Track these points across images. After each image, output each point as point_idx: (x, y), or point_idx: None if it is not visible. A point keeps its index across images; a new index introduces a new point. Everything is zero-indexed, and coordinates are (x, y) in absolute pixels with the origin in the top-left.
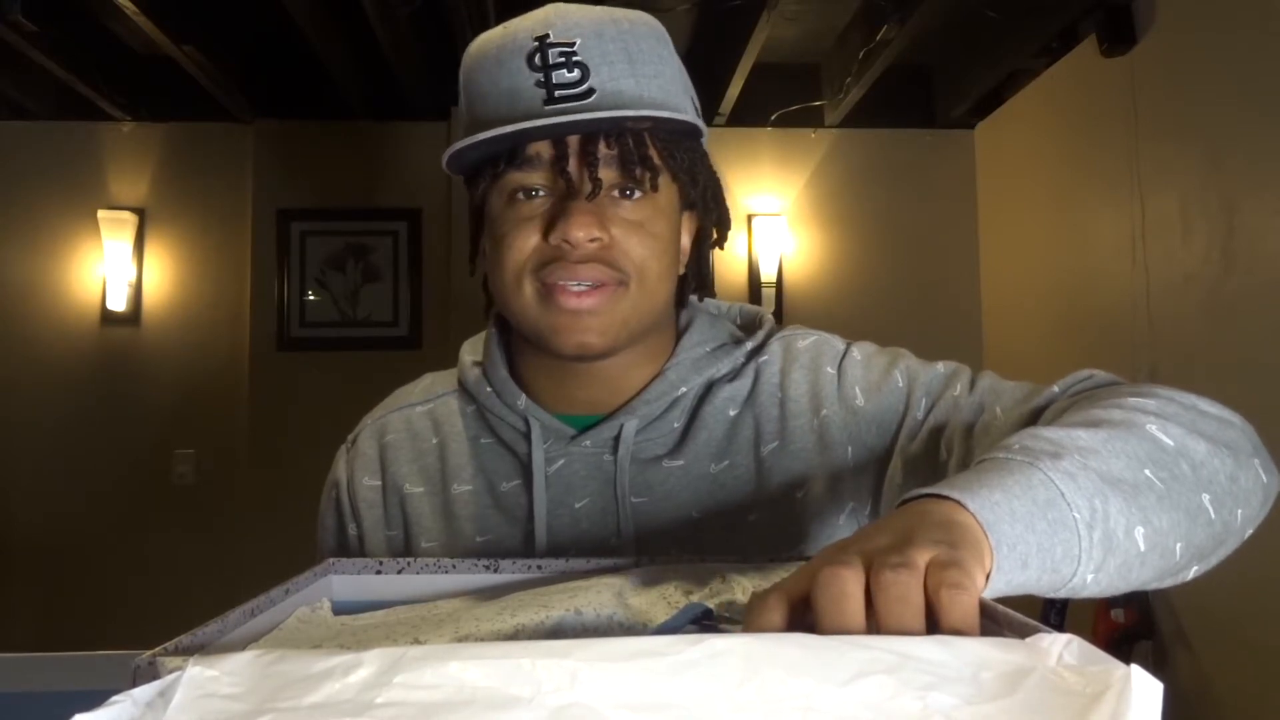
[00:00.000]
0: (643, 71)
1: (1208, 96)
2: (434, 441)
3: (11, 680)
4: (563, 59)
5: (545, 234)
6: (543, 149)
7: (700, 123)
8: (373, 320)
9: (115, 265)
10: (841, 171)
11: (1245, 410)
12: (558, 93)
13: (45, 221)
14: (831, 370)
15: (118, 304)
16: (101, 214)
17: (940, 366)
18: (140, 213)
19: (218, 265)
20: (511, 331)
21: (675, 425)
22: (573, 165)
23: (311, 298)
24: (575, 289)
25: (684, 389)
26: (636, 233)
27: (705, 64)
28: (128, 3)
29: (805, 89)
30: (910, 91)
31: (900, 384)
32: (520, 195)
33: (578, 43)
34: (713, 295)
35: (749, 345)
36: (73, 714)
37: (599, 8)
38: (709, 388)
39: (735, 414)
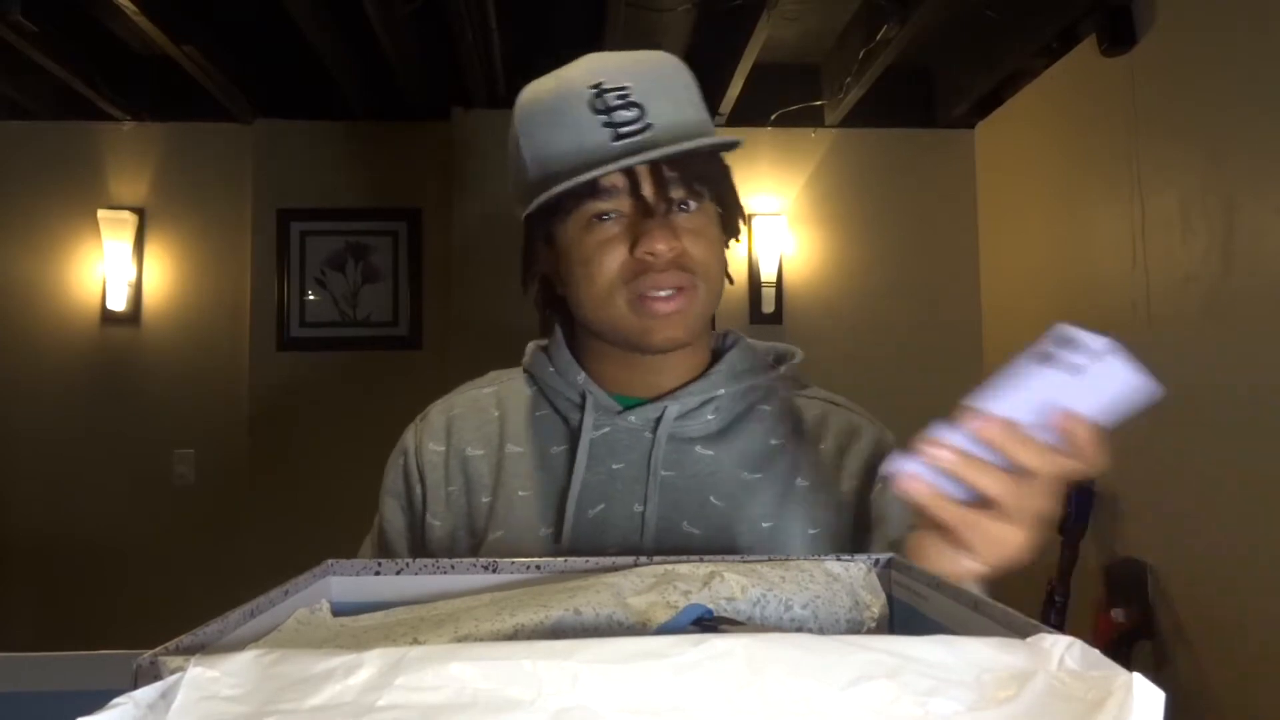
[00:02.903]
0: (683, 102)
1: (1208, 96)
2: (495, 414)
3: (11, 680)
4: (620, 101)
5: (630, 249)
6: (617, 179)
7: (723, 138)
8: (373, 320)
9: (115, 265)
10: (841, 171)
11: (1244, 410)
12: (621, 129)
13: (45, 221)
14: (874, 455)
15: (118, 304)
16: (101, 214)
17: None
18: (140, 213)
19: (218, 265)
20: (575, 331)
21: (709, 418)
22: (647, 190)
23: (311, 298)
24: (663, 296)
25: (721, 390)
26: (699, 238)
27: (705, 64)
28: (128, 3)
29: (805, 89)
30: (910, 91)
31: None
32: (595, 220)
33: (629, 85)
34: (730, 282)
35: (781, 369)
36: (73, 714)
37: (627, 54)
38: (750, 407)
39: (777, 443)
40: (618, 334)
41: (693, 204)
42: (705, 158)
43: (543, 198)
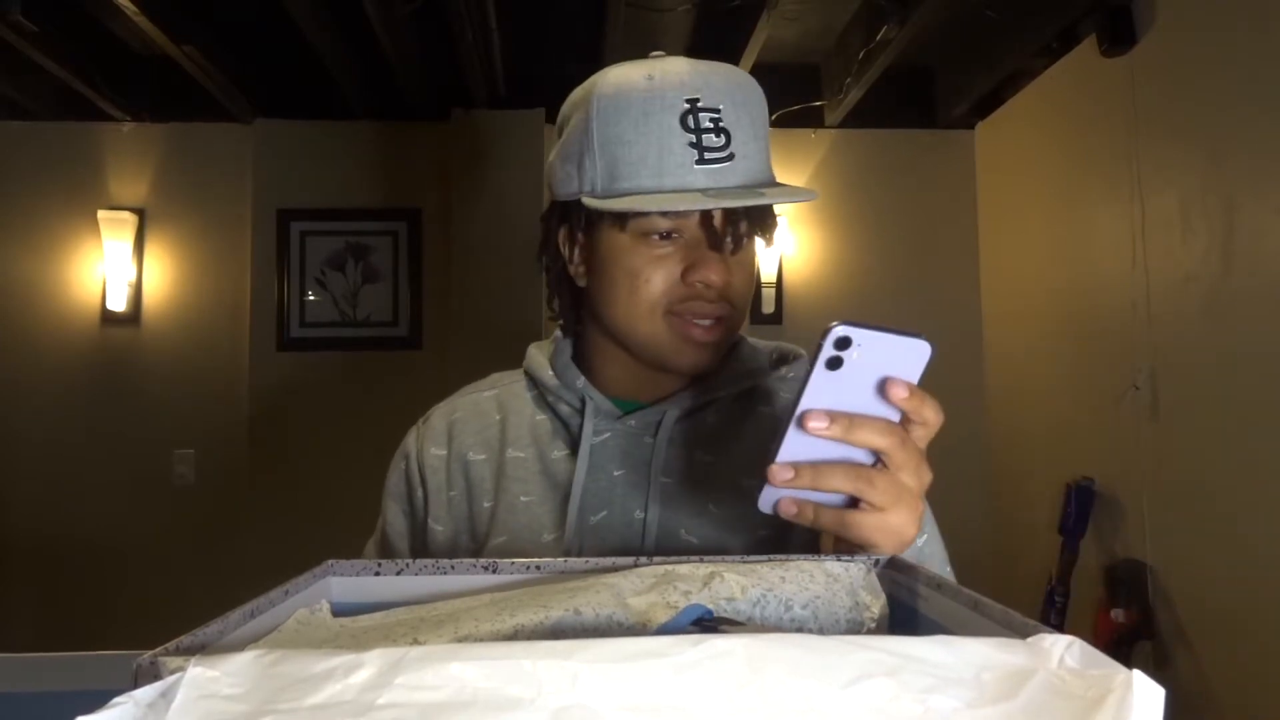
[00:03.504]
0: (762, 137)
1: (1208, 96)
2: (497, 418)
3: (11, 680)
4: (711, 124)
5: (683, 273)
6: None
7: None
8: (373, 320)
9: (115, 265)
10: (841, 171)
11: (1243, 410)
12: (707, 155)
13: (45, 221)
14: None
15: (118, 304)
16: (101, 214)
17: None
18: (140, 213)
19: (218, 265)
20: (583, 324)
21: (710, 420)
22: (718, 223)
23: (311, 298)
24: (705, 325)
25: (720, 393)
26: (744, 273)
27: None
28: (128, 3)
29: (805, 89)
30: (910, 91)
31: None
32: (656, 237)
33: (723, 109)
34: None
35: (783, 370)
36: (73, 714)
37: (718, 69)
38: (750, 409)
39: None
40: (646, 350)
41: (746, 240)
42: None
43: (620, 206)
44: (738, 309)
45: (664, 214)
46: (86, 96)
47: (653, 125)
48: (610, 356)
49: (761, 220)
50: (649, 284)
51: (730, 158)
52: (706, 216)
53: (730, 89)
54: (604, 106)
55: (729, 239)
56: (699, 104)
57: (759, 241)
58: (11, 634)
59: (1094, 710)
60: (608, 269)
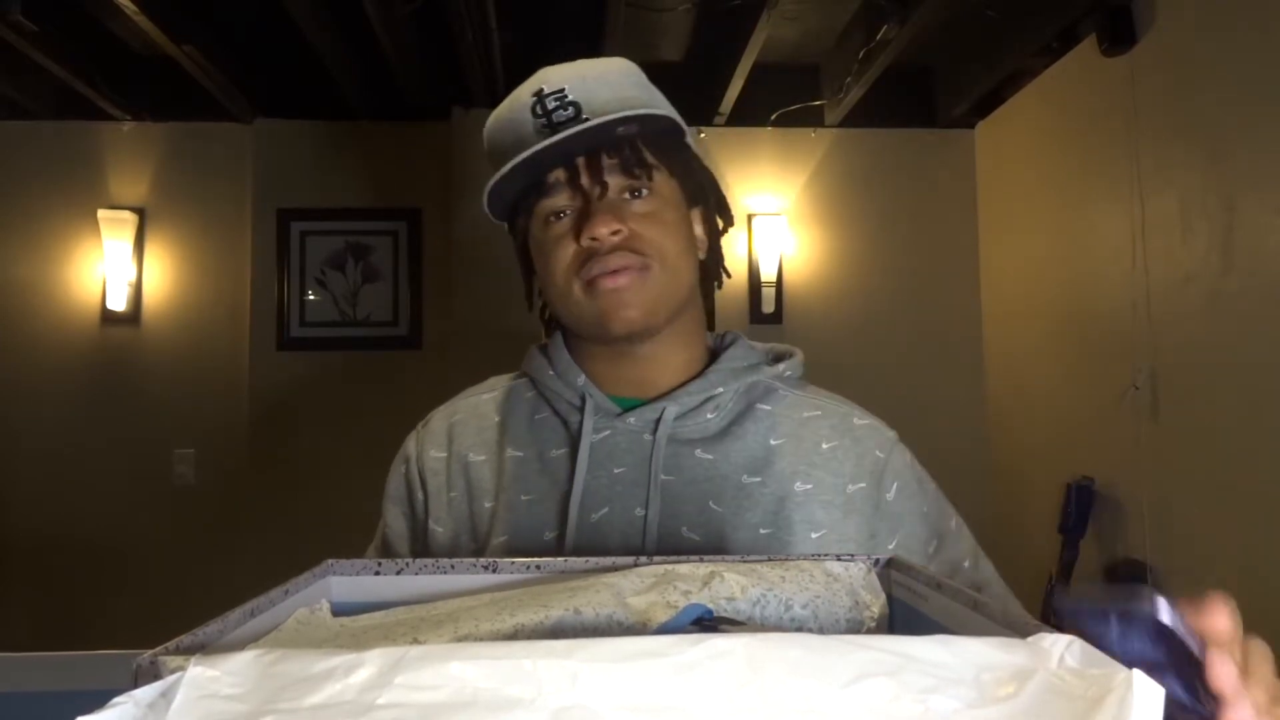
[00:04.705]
0: (623, 93)
1: (1208, 96)
2: (496, 419)
3: (11, 680)
4: (557, 102)
5: (577, 239)
6: (560, 175)
7: (681, 121)
8: (373, 320)
9: (115, 265)
10: (841, 171)
11: (1243, 410)
12: (559, 128)
13: (45, 221)
14: (881, 454)
15: (118, 304)
16: (101, 214)
17: (952, 514)
18: (140, 213)
19: (218, 265)
20: (569, 333)
21: (709, 417)
22: (583, 179)
23: (311, 297)
24: (609, 272)
25: (720, 389)
26: (649, 222)
27: (705, 64)
28: (128, 3)
29: (805, 89)
30: (910, 91)
31: (924, 509)
32: (552, 219)
33: (566, 88)
34: (728, 275)
35: (780, 367)
36: (73, 714)
37: (576, 62)
38: (749, 407)
39: (777, 444)
40: (582, 325)
41: (642, 189)
42: (656, 144)
43: (485, 191)
44: (654, 259)
45: (543, 193)
46: (86, 96)
47: (512, 125)
48: (599, 355)
49: (639, 163)
50: (557, 259)
51: (582, 121)
52: (575, 177)
53: (579, 72)
54: (486, 133)
55: (598, 188)
56: (543, 92)
57: (671, 191)
58: (11, 634)
59: (1094, 710)
60: (537, 265)
